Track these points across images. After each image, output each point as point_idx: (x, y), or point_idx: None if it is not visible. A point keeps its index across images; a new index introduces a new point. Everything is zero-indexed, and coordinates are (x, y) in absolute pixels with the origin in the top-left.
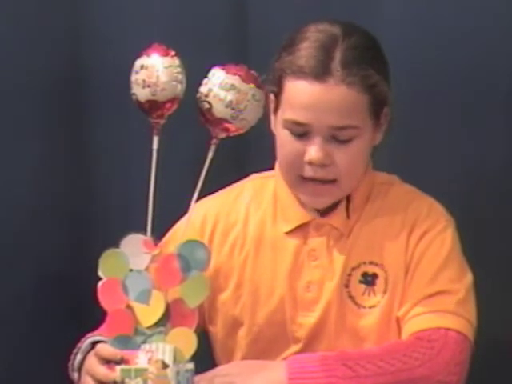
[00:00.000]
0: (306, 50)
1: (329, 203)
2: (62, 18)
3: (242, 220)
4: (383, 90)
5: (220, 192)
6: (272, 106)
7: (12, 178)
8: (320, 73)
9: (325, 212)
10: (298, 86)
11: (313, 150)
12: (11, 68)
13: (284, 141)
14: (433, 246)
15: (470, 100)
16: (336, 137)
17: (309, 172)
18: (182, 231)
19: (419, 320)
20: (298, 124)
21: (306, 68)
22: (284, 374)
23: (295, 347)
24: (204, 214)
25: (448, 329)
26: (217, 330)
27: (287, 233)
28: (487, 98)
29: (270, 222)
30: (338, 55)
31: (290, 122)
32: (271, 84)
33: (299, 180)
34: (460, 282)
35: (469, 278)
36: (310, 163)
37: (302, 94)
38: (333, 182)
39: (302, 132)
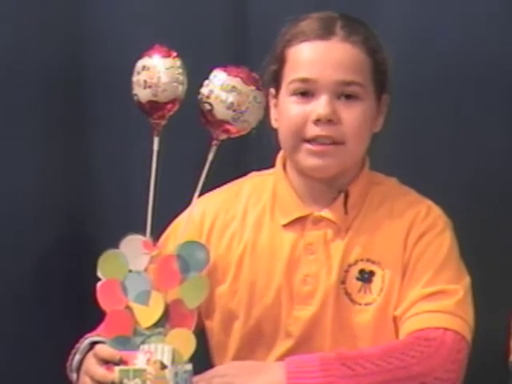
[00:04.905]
0: (307, 22)
1: (333, 170)
2: (63, 18)
3: (241, 215)
4: (384, 58)
5: (219, 189)
6: (273, 100)
7: (12, 178)
8: (324, 33)
9: (322, 207)
10: (301, 47)
11: (320, 107)
12: (11, 69)
13: (290, 107)
14: (431, 247)
15: (470, 101)
16: (342, 92)
17: (316, 131)
18: (182, 228)
19: (417, 319)
20: (304, 81)
21: (308, 31)
22: (283, 375)
23: (288, 342)
24: (203, 210)
25: (446, 329)
26: (213, 325)
27: (285, 226)
28: (487, 99)
29: (268, 217)
30: (338, 24)
31: (296, 81)
32: (273, 63)
33: (303, 144)
34: (458, 284)
35: (467, 279)
36: (318, 120)
37: (305, 53)
38: (340, 144)
39: (308, 89)
